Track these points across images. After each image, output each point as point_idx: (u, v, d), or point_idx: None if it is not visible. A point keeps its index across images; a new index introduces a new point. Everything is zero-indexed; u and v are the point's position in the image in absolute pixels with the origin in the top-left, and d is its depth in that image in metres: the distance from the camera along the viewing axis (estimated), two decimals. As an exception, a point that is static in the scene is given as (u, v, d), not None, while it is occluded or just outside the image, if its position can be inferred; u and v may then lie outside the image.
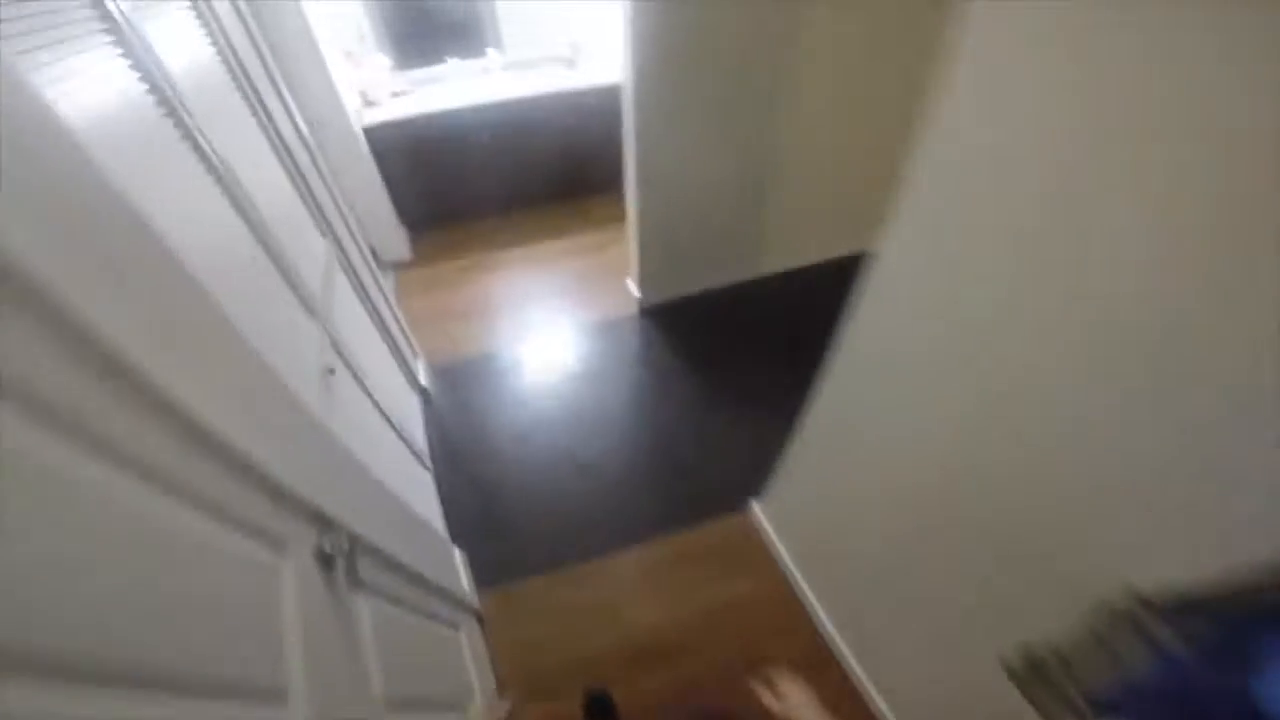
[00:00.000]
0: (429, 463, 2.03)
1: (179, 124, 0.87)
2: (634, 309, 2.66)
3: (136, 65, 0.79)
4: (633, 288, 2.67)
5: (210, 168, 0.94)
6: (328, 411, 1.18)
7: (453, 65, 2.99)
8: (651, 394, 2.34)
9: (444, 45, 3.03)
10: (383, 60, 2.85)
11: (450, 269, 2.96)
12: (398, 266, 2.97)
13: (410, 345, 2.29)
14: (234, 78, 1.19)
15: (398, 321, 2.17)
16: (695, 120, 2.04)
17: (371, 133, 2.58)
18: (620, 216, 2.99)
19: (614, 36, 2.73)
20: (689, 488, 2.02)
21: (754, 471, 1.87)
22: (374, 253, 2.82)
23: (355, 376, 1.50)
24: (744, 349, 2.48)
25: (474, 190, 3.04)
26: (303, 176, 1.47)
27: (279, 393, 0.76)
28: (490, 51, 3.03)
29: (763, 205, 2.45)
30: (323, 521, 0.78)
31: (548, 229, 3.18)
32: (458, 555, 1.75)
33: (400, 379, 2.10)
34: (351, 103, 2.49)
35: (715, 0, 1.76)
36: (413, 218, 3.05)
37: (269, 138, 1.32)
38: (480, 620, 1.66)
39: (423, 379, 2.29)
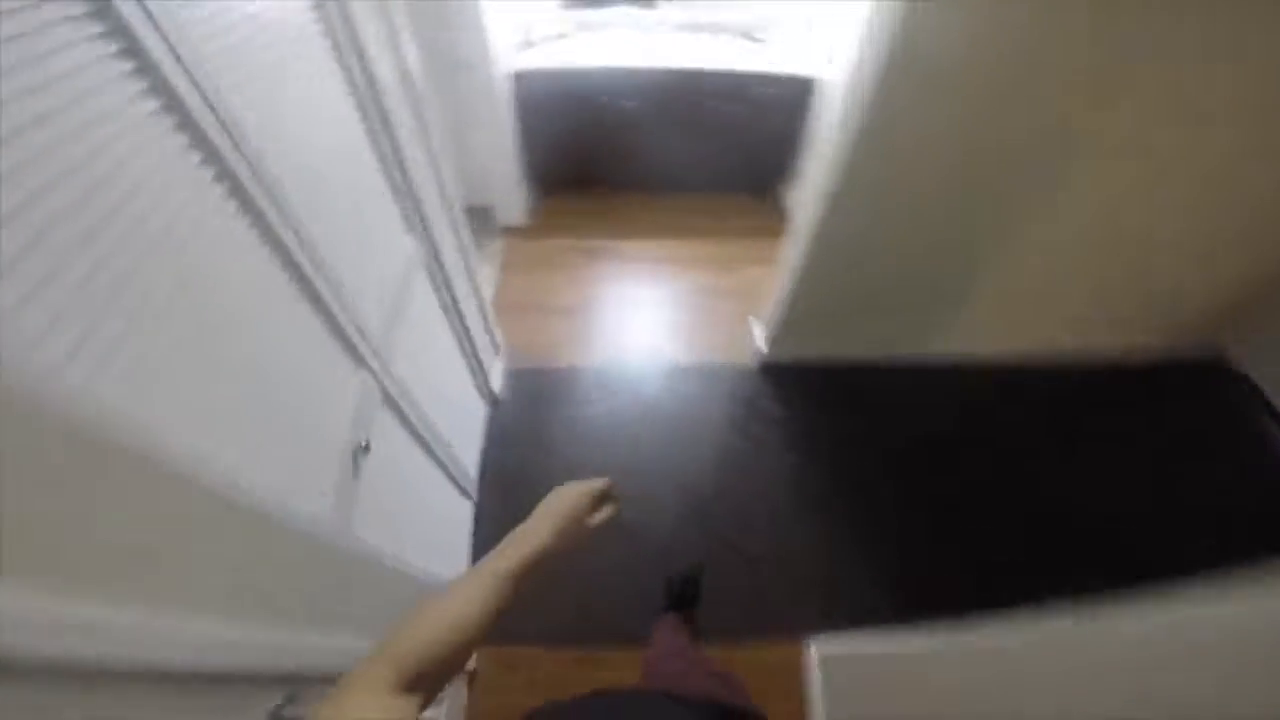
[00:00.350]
0: (474, 491, 1.78)
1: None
2: (752, 360, 2.20)
3: None
4: (758, 334, 2.20)
5: (210, 155, 0.61)
6: (345, 503, 0.90)
7: (621, 12, 2.55)
8: (741, 462, 1.94)
9: None
10: None
11: (562, 248, 2.63)
12: (510, 232, 2.68)
13: (493, 340, 2.01)
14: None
15: (485, 319, 1.88)
16: (926, 170, 1.49)
17: (520, 79, 2.24)
18: (767, 230, 2.52)
19: (826, 24, 2.21)
20: (748, 584, 1.66)
21: (827, 595, 1.58)
22: (487, 213, 2.56)
23: (405, 421, 1.22)
24: (870, 442, 1.98)
25: (612, 160, 2.65)
26: (399, 157, 1.14)
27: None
28: (663, 4, 2.55)
29: (962, 277, 1.86)
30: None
31: (681, 225, 2.75)
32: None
33: (469, 386, 1.83)
34: (505, 42, 2.14)
35: (1006, 49, 1.19)
36: (540, 176, 2.72)
37: (357, 98, 0.99)
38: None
39: (496, 383, 2.02)
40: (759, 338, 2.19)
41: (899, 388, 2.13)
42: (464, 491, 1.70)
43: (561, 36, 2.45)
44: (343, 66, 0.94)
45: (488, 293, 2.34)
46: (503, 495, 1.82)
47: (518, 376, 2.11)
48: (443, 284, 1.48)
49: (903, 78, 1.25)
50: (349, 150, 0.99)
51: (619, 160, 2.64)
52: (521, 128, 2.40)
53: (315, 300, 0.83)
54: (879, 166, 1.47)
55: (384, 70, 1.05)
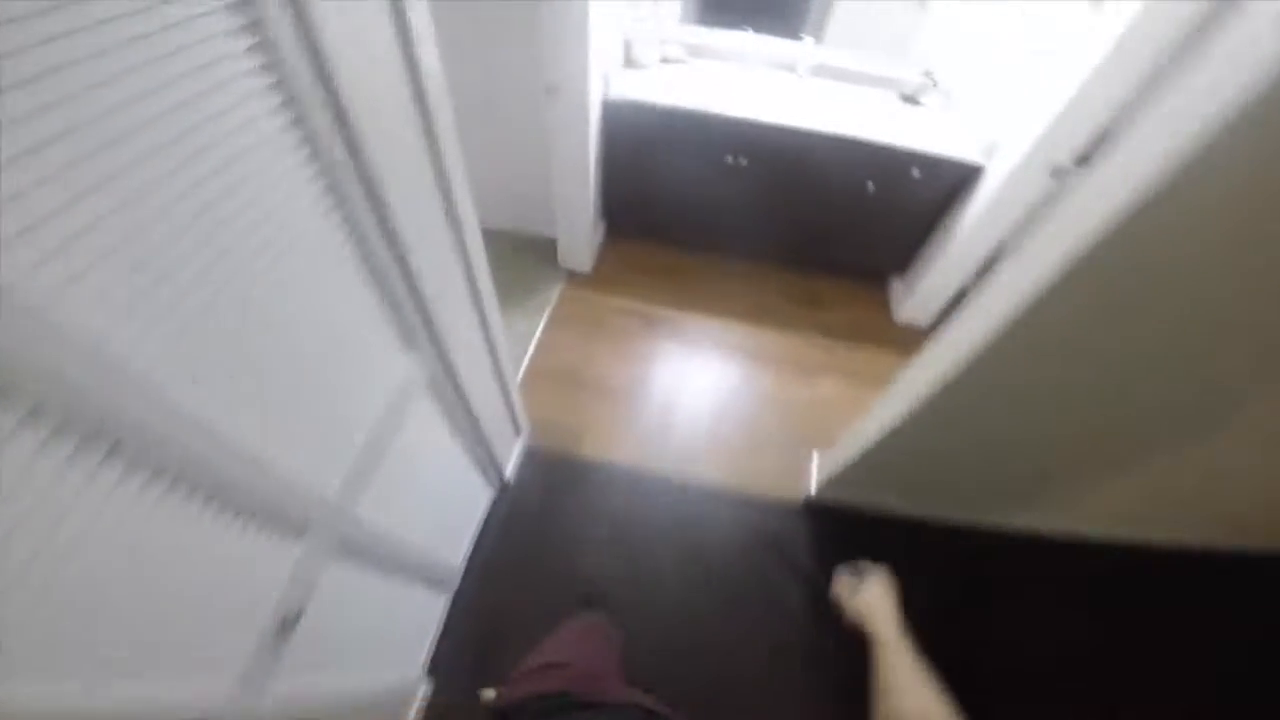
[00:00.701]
0: (452, 583, 1.52)
1: None
2: (799, 494, 1.82)
3: None
4: (814, 470, 1.82)
5: None
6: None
7: (753, 39, 2.13)
8: (753, 612, 1.59)
9: (748, 6, 2.16)
10: (669, 8, 2.08)
11: (621, 310, 2.26)
12: (570, 277, 2.34)
13: (515, 424, 1.71)
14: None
15: (510, 409, 1.58)
16: (1086, 371, 1.06)
17: (612, 109, 1.87)
18: (863, 332, 2.14)
19: (1007, 98, 1.67)
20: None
21: None
22: (550, 247, 2.25)
23: (368, 563, 0.95)
24: (921, 618, 1.56)
25: (700, 216, 2.25)
26: (399, 253, 0.83)
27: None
28: (806, 39, 2.10)
29: (1092, 459, 1.42)
30: None
31: (761, 306, 2.33)
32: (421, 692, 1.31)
33: (472, 482, 1.54)
34: (604, 60, 1.79)
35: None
36: (616, 217, 2.36)
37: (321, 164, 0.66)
38: None
39: (509, 468, 1.74)
40: (814, 474, 1.81)
41: (966, 551, 1.70)
42: (440, 589, 1.44)
43: (673, 61, 2.07)
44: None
45: (527, 351, 2.06)
46: (487, 587, 1.56)
47: (534, 457, 1.82)
48: (455, 401, 1.19)
49: (1102, 284, 0.84)
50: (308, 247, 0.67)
51: (707, 218, 2.24)
52: (605, 163, 2.04)
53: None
54: (1029, 362, 1.05)
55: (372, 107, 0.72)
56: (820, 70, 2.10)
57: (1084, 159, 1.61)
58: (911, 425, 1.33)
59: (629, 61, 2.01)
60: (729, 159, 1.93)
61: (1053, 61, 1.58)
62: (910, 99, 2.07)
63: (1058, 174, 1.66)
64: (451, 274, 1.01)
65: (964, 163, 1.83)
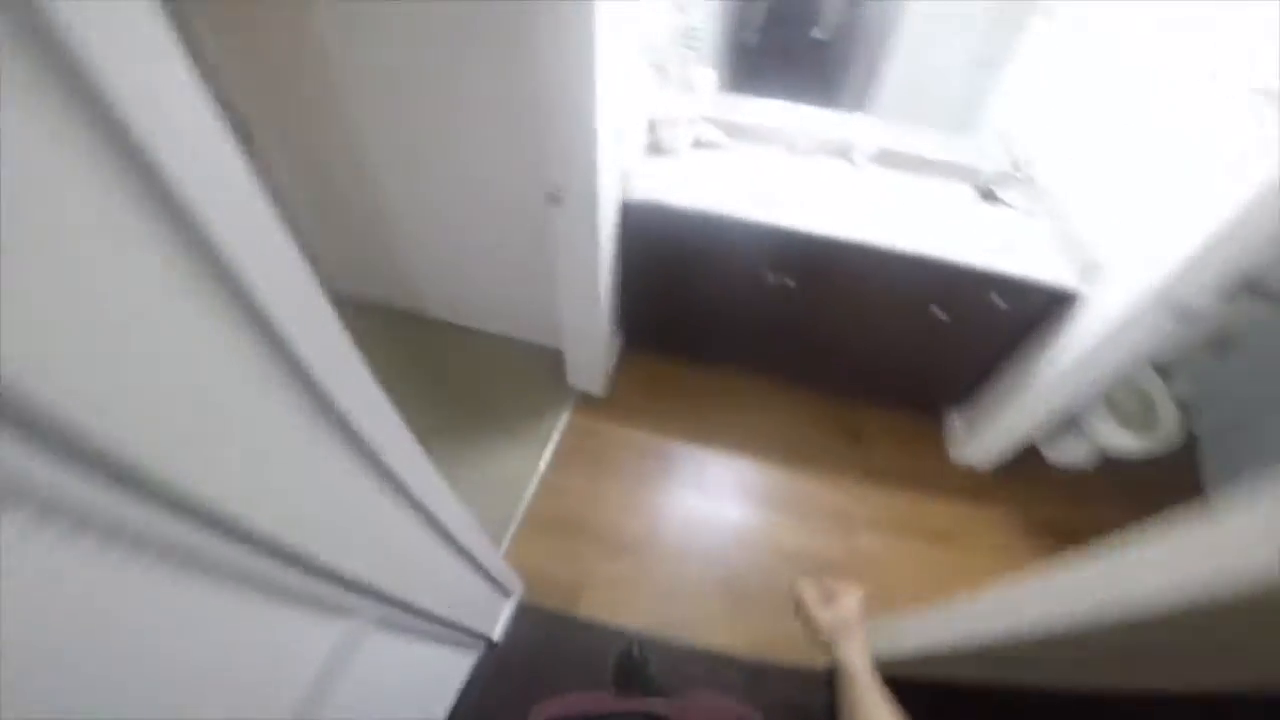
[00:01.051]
0: None
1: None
2: (822, 665, 1.51)
3: None
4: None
5: None
6: None
7: (799, 117, 1.85)
8: None
9: (793, 72, 1.89)
10: (707, 75, 1.81)
11: (635, 443, 1.96)
12: (581, 401, 2.06)
13: (504, 588, 1.46)
14: None
15: (492, 580, 1.33)
16: None
17: (633, 211, 1.60)
18: (913, 476, 1.88)
19: (1116, 205, 1.33)
20: None
21: None
22: (557, 361, 1.99)
23: None
24: None
25: (732, 335, 1.96)
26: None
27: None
28: (864, 117, 1.81)
29: None
30: None
31: (793, 442, 2.01)
32: None
33: (452, 660, 1.30)
34: (623, 154, 1.53)
35: None
36: (634, 328, 2.08)
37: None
38: None
39: (498, 629, 1.49)
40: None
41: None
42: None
43: (707, 145, 1.79)
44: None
45: (525, 495, 1.79)
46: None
47: (527, 613, 1.57)
48: (416, 620, 0.94)
49: None
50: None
51: (740, 338, 1.95)
52: (624, 271, 1.78)
53: None
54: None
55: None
56: (882, 157, 1.80)
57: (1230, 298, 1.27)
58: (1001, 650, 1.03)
59: (654, 147, 1.75)
60: (770, 276, 1.64)
61: (1188, 158, 1.25)
62: (988, 193, 1.75)
63: (1185, 318, 1.32)
64: (385, 522, 0.76)
65: (1056, 289, 1.50)
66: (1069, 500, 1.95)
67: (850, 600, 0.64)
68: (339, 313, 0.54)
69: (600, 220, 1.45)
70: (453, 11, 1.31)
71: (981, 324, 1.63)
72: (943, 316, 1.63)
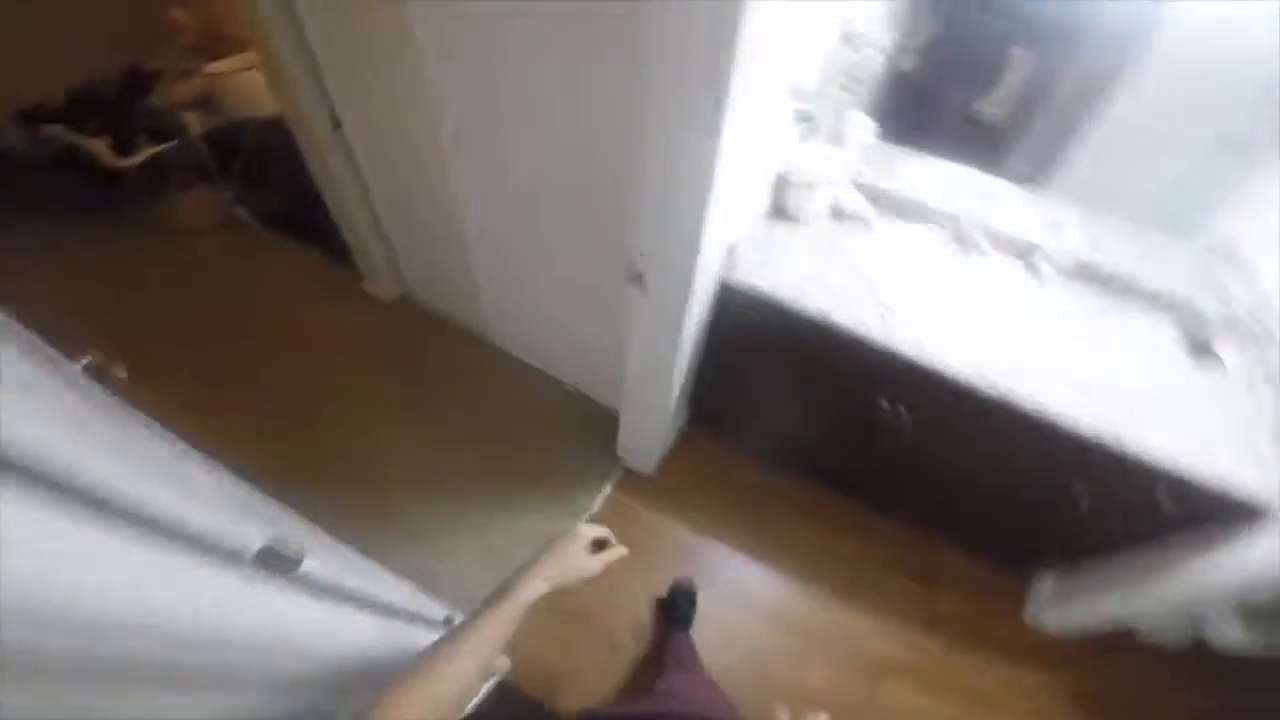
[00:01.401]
0: None
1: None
2: None
3: None
4: None
5: None
6: None
7: (973, 195, 1.47)
8: None
9: (969, 131, 1.52)
10: (863, 124, 1.47)
11: (674, 542, 1.74)
12: (625, 477, 1.84)
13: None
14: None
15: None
16: None
17: (733, 296, 1.30)
18: (966, 630, 1.64)
19: None
20: None
21: None
22: (608, 425, 1.77)
23: None
24: None
25: (818, 447, 1.65)
26: None
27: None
28: (1058, 206, 1.41)
29: None
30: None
31: (856, 572, 1.71)
32: None
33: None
34: (734, 220, 1.24)
35: None
36: (702, 408, 1.79)
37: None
38: None
39: (472, 703, 1.34)
40: None
41: None
42: None
43: (846, 216, 1.46)
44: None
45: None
46: None
47: (506, 694, 1.41)
48: None
49: None
50: None
51: (825, 451, 1.63)
52: (706, 350, 1.50)
53: None
54: None
55: None
56: (1076, 269, 1.40)
57: None
58: None
59: (778, 210, 1.44)
60: (884, 403, 1.32)
61: None
62: (1202, 345, 1.31)
63: None
64: None
65: (1253, 505, 1.10)
66: (1135, 677, 1.60)
67: None
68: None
69: (689, 308, 1.19)
70: (557, 28, 1.05)
71: (1130, 517, 1.25)
72: (1083, 497, 1.26)
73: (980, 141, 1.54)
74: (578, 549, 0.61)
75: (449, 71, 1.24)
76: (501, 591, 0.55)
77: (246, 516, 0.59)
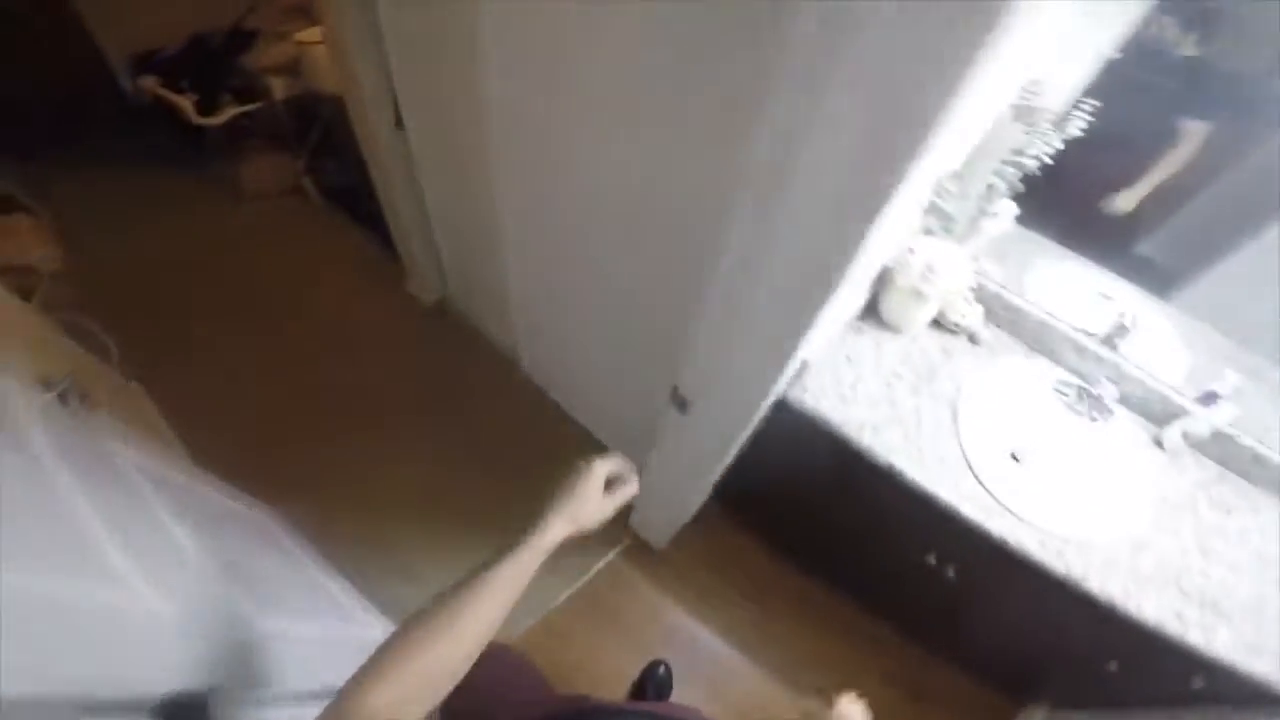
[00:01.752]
0: None
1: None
2: None
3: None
4: None
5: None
6: None
7: (1113, 286, 1.17)
8: None
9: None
10: (1006, 208, 1.19)
11: (666, 623, 1.60)
12: (632, 547, 1.68)
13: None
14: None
15: None
16: None
17: (789, 418, 1.06)
18: None
19: None
20: None
21: None
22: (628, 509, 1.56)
23: None
24: None
25: (841, 559, 1.50)
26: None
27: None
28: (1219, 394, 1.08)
29: None
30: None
31: (851, 682, 1.46)
32: None
33: None
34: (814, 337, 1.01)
35: None
36: (726, 494, 1.54)
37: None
38: None
39: None
40: None
41: None
42: None
43: (958, 329, 1.19)
44: None
45: (523, 624, 1.50)
46: None
47: None
48: None
49: None
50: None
51: (857, 573, 1.47)
52: (746, 454, 1.26)
53: None
54: None
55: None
56: (1210, 440, 1.08)
57: None
58: None
59: (871, 309, 1.19)
60: (931, 560, 1.07)
61: None
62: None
63: None
64: None
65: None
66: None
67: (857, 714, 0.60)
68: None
69: (737, 440, 0.97)
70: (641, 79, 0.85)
71: (1154, 684, 1.04)
72: (1115, 664, 1.04)
73: (1133, 236, 1.21)
74: (596, 487, 0.55)
75: (509, 89, 1.07)
76: (512, 542, 0.48)
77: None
